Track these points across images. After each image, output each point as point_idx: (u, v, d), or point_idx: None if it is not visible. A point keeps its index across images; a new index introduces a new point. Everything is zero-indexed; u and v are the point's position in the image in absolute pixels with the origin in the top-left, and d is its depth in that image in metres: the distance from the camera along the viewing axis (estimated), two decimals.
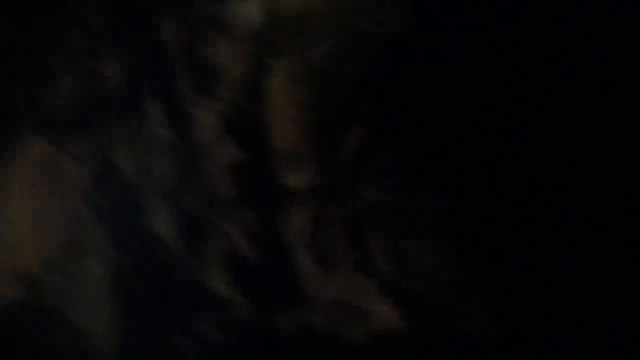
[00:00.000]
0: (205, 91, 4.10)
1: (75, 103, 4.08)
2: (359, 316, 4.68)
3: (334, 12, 4.34)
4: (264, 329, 4.29)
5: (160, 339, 3.91)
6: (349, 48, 4.51)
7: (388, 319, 4.82)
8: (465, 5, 4.28)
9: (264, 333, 4.26)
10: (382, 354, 4.41)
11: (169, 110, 3.83)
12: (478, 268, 4.40)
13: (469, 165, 4.44)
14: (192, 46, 4.22)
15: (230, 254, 4.19)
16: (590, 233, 4.08)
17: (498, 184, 4.34)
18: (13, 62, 3.85)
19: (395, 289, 6.03)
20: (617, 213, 4.07)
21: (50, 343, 3.90)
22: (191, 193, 3.93)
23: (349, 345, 4.43)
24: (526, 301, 4.20)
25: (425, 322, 4.64)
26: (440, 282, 4.67)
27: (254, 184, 4.41)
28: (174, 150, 3.73)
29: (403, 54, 4.45)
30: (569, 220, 4.16)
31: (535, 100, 4.30)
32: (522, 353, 4.14)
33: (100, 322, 3.97)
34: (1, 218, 3.97)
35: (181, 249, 3.85)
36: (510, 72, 4.33)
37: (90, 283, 4.02)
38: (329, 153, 5.01)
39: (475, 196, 4.44)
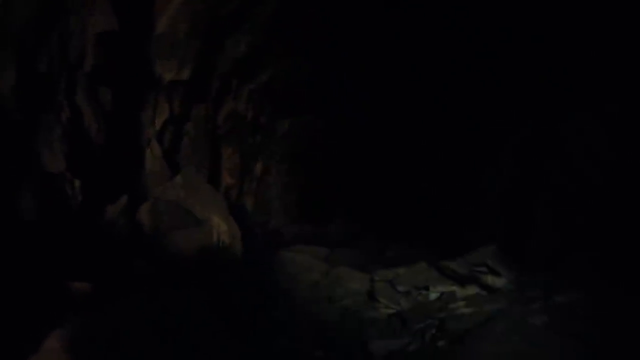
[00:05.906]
0: None
1: None
2: (193, 222, 4.64)
3: None
4: (91, 216, 3.99)
5: None
6: None
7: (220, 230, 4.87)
8: None
9: (89, 220, 3.97)
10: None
11: None
12: None
13: None
14: None
15: (75, 130, 3.73)
16: None
17: None
18: None
19: (234, 203, 6.08)
20: None
21: None
22: (49, 52, 3.32)
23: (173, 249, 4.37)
24: None
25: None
26: None
27: (123, 62, 3.91)
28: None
29: None
30: None
31: None
32: None
33: None
34: None
35: (19, 111, 3.26)
36: None
37: None
38: (210, 55, 4.66)
39: None
